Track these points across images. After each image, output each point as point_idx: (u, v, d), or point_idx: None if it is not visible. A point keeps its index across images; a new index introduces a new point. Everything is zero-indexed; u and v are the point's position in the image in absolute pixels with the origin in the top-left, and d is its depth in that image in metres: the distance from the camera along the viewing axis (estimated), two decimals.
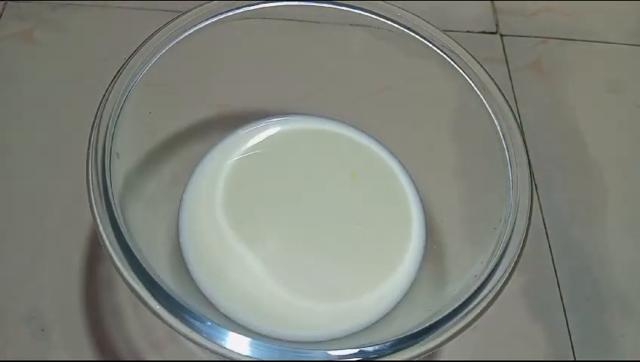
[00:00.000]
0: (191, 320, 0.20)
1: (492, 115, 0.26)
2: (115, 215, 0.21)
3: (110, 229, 0.21)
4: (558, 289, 0.34)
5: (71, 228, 0.32)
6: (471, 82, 0.27)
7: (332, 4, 0.28)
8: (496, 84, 0.27)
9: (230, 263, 0.29)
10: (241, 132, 0.33)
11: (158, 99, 0.28)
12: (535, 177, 0.38)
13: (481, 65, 0.27)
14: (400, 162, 0.33)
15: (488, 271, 0.22)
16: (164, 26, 0.26)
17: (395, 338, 0.20)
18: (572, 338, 0.32)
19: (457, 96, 0.28)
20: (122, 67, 0.25)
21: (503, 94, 0.26)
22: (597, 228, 0.37)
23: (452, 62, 0.27)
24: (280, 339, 0.26)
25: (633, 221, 0.37)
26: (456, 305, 0.21)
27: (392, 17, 0.28)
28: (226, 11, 0.27)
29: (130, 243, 0.21)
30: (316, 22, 0.29)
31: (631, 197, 0.38)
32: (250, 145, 0.33)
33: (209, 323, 0.20)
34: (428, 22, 0.28)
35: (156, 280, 0.20)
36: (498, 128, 0.26)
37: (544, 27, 0.46)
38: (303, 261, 0.29)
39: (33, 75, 0.38)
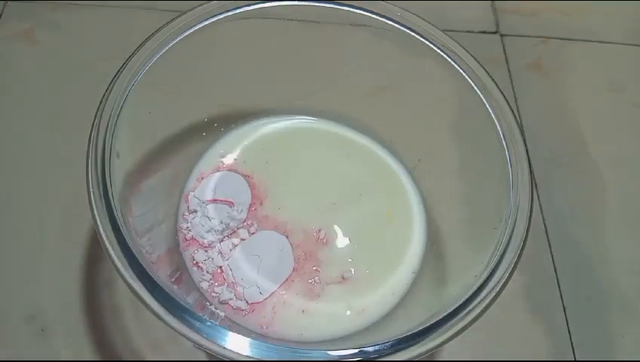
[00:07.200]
0: (191, 320, 0.20)
1: (492, 114, 0.26)
2: (115, 215, 0.21)
3: (110, 229, 0.21)
4: (558, 289, 0.34)
5: (71, 228, 0.32)
6: (471, 82, 0.27)
7: (332, 4, 0.28)
8: (496, 84, 0.27)
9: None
10: (241, 131, 0.33)
11: (158, 99, 0.28)
12: (535, 177, 0.38)
13: (481, 66, 0.27)
14: (400, 162, 0.33)
15: (488, 271, 0.22)
16: (164, 26, 0.26)
17: (395, 338, 0.20)
18: (572, 338, 0.32)
19: (457, 96, 0.28)
20: (122, 67, 0.25)
21: (503, 94, 0.26)
22: (597, 228, 0.36)
23: (452, 62, 0.27)
24: (280, 339, 0.26)
25: (633, 221, 0.37)
26: (457, 305, 0.21)
27: (392, 17, 0.28)
28: (226, 11, 0.27)
29: (130, 243, 0.21)
30: (316, 22, 0.29)
31: (631, 197, 0.38)
32: (249, 144, 0.32)
33: (209, 323, 0.20)
34: (428, 22, 0.28)
35: (156, 280, 0.20)
36: (498, 128, 0.26)
37: (544, 27, 0.46)
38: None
39: (33, 75, 0.38)
